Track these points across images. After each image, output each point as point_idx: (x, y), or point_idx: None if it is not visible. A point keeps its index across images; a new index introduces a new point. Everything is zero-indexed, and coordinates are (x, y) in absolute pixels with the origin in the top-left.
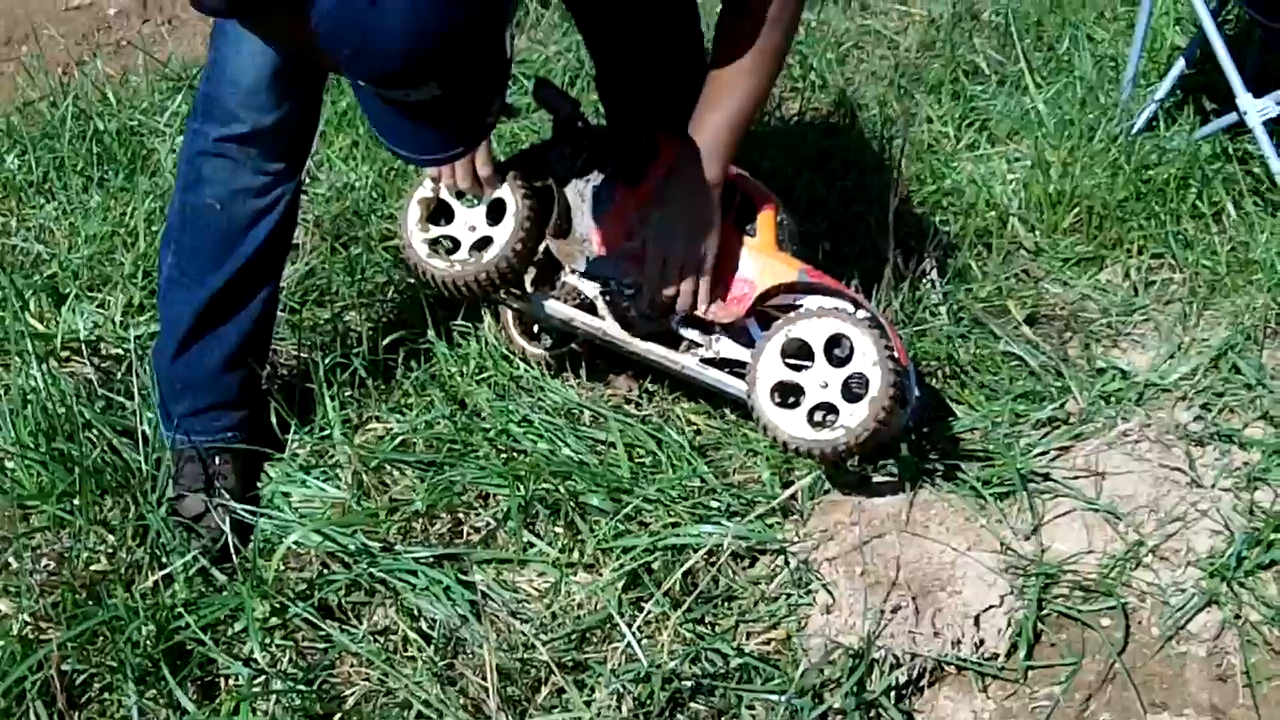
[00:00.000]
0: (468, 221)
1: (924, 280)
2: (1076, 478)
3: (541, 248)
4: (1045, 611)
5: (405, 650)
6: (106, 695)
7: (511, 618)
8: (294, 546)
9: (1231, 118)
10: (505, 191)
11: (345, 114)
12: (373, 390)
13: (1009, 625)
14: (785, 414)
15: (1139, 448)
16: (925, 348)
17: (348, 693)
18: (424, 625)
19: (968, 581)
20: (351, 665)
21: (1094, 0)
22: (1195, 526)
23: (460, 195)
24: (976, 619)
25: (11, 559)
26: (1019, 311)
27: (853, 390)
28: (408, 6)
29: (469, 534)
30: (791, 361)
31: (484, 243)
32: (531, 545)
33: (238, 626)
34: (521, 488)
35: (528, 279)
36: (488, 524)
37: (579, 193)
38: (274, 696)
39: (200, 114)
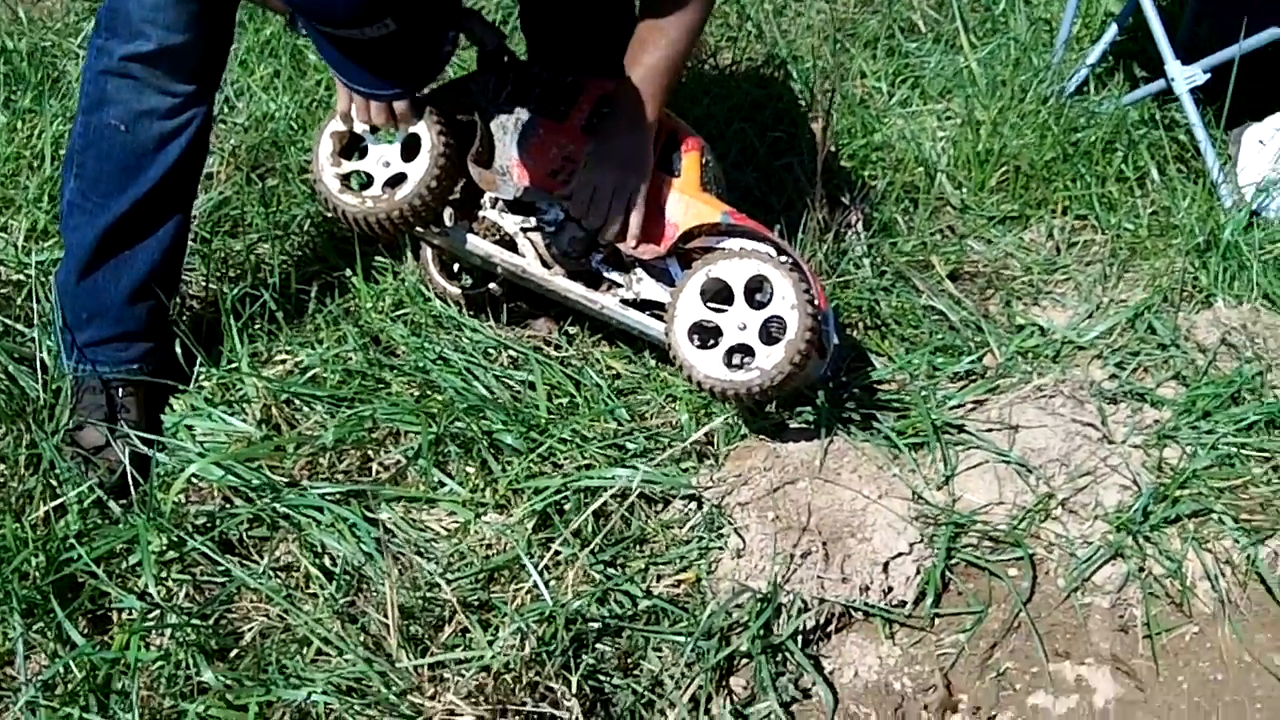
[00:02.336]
0: (382, 157)
1: (849, 232)
2: (990, 430)
3: (461, 182)
4: (954, 560)
5: (307, 587)
6: None
7: (417, 556)
8: (196, 481)
9: (1160, 84)
10: (421, 127)
11: (267, 42)
12: (284, 324)
13: (917, 573)
14: (702, 354)
15: (1053, 403)
16: (848, 299)
17: (245, 629)
18: (327, 562)
19: (878, 529)
20: (251, 601)
21: None
22: (1105, 481)
23: (375, 130)
24: (885, 566)
25: None
26: (942, 267)
27: (771, 333)
28: None
29: (378, 471)
30: (711, 304)
31: (398, 179)
32: (442, 485)
33: (133, 560)
34: (433, 425)
35: (447, 214)
36: (398, 462)
37: (502, 125)
38: (168, 631)
39: (104, 29)
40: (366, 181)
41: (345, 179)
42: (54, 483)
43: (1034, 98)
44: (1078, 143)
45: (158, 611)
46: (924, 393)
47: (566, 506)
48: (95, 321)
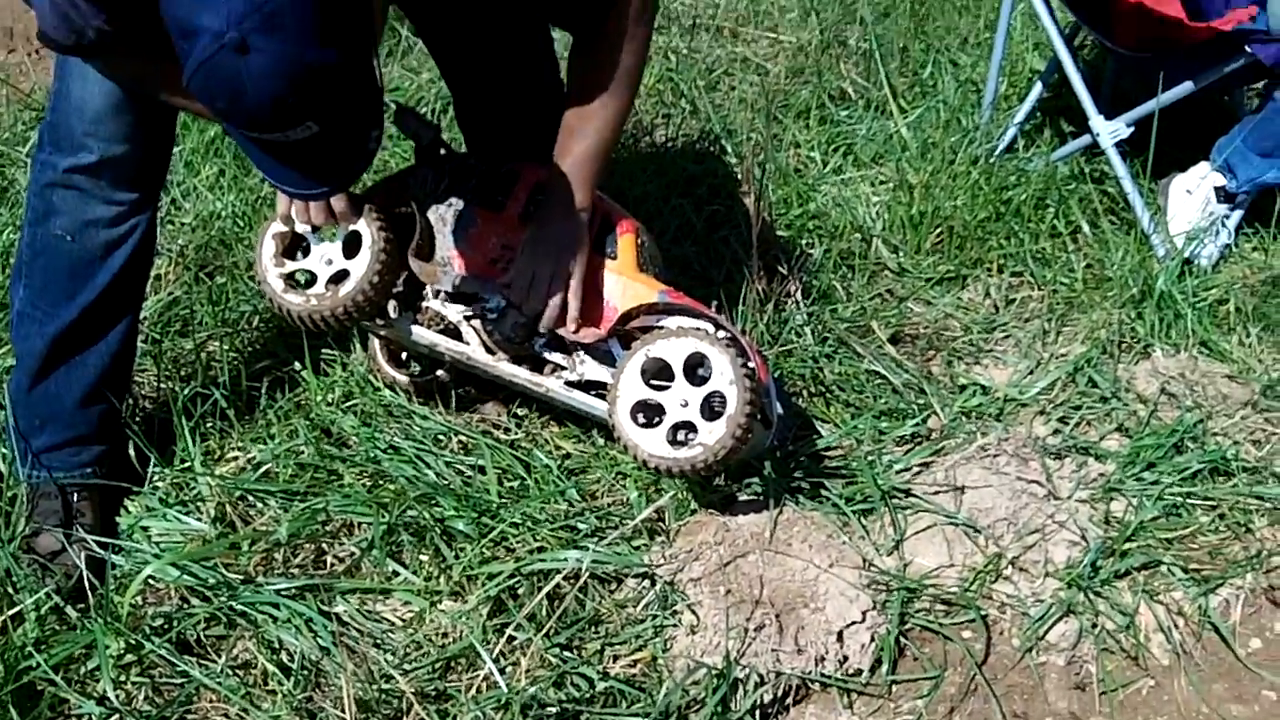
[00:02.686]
0: (324, 255)
1: (789, 301)
2: (937, 493)
3: (403, 276)
4: (908, 626)
5: (265, 684)
6: None
7: (374, 648)
8: (152, 581)
9: (1086, 139)
10: (362, 225)
11: (212, 142)
12: (235, 421)
13: (872, 640)
14: (646, 433)
15: (998, 462)
16: (790, 367)
17: None
18: (284, 658)
19: (830, 598)
20: (210, 701)
21: (957, 27)
22: (1053, 538)
23: (315, 229)
24: (840, 635)
25: None
26: (883, 331)
27: (713, 408)
28: (277, 52)
29: (333, 564)
30: (653, 381)
31: (341, 276)
32: (396, 574)
33: (91, 664)
34: (386, 514)
35: (391, 306)
36: (352, 553)
37: (440, 216)
38: None
39: (47, 144)
40: (311, 279)
41: (290, 278)
42: (10, 590)
43: (965, 159)
44: (1009, 201)
45: (117, 716)
46: (870, 458)
47: (520, 591)
48: (48, 427)
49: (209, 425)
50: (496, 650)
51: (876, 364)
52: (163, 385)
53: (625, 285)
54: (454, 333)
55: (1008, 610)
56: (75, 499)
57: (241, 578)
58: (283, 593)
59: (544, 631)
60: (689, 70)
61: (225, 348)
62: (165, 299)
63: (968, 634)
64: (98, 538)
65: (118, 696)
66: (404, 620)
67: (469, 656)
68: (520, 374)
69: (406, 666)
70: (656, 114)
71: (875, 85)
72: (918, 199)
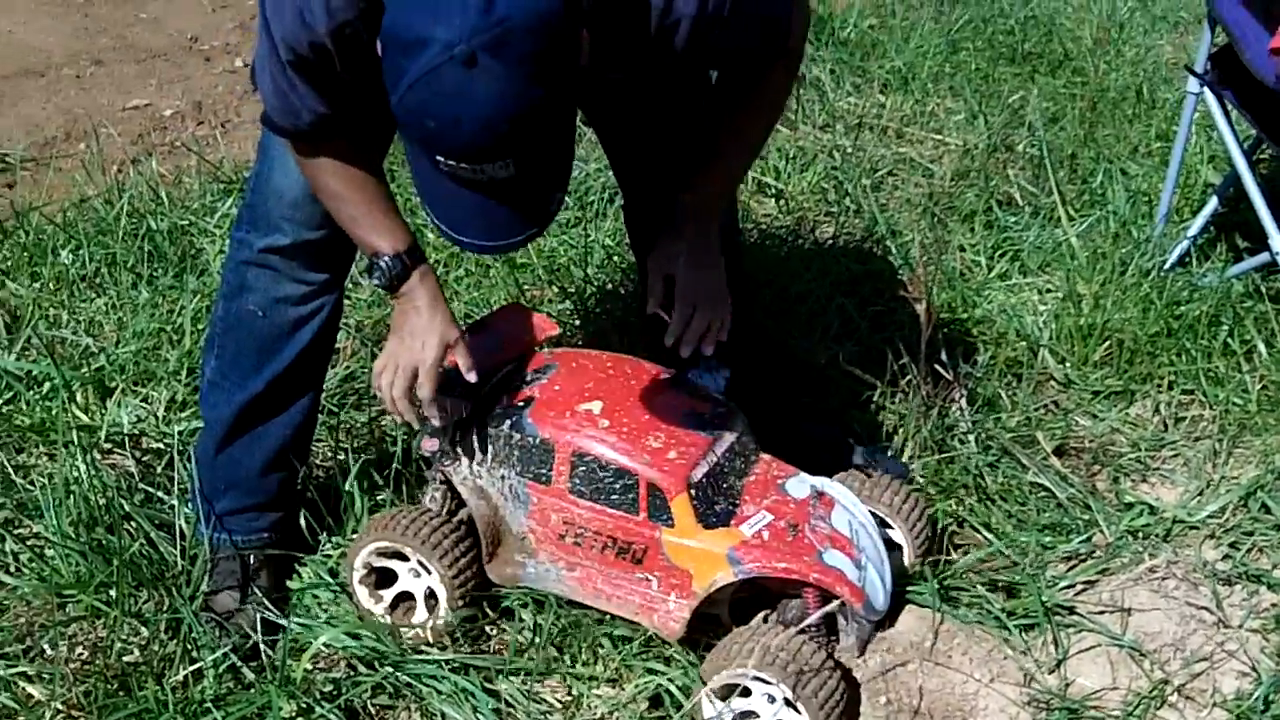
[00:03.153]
0: (410, 569)
1: (954, 408)
2: (1102, 612)
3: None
4: None
5: None
6: None
7: None
8: (323, 647)
9: (1264, 257)
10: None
11: None
12: (405, 494)
13: None
14: None
15: (1166, 585)
16: (953, 475)
17: None
18: None
19: (990, 714)
20: None
21: (1128, 136)
22: (1222, 667)
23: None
24: None
25: (47, 646)
26: (1048, 443)
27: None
28: (501, 74)
29: (496, 647)
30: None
31: (433, 596)
32: (557, 659)
33: None
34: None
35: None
36: (514, 640)
37: (500, 492)
38: None
39: (245, 224)
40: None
41: (391, 608)
42: (190, 647)
43: (1135, 271)
44: (1181, 316)
45: None
46: (1033, 573)
47: (677, 684)
48: (230, 492)
49: (380, 498)
50: None
51: (1041, 476)
52: (338, 456)
53: (691, 554)
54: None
55: None
56: (252, 561)
57: (408, 650)
58: (448, 665)
59: None
60: (853, 169)
61: (399, 422)
62: (342, 372)
63: None
64: (270, 602)
65: None
66: (562, 703)
67: None
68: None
69: None
70: (820, 211)
71: (1044, 191)
72: (1087, 310)
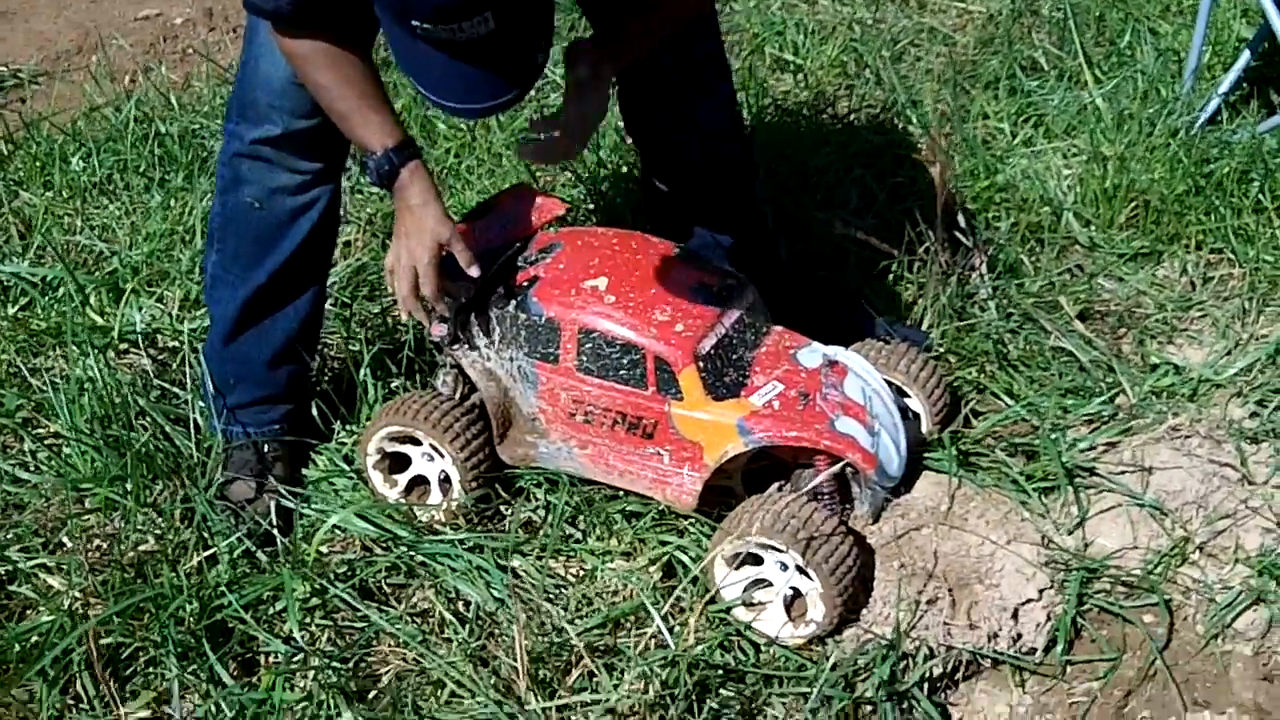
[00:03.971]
0: (423, 453)
1: (973, 275)
2: (1123, 473)
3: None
4: (1086, 607)
5: (441, 632)
6: (151, 669)
7: (546, 602)
8: (338, 532)
9: None
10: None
11: (399, 114)
12: (418, 383)
13: (1048, 620)
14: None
15: (1189, 443)
16: (973, 342)
17: (383, 671)
18: (460, 607)
19: (1006, 575)
20: (389, 645)
21: None
22: (1245, 524)
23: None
24: (1015, 612)
25: (65, 539)
26: (1071, 307)
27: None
28: None
29: (510, 526)
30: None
31: (446, 479)
32: (570, 537)
33: (278, 606)
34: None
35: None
36: (529, 518)
37: (510, 374)
38: (311, 673)
39: (235, 116)
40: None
41: (406, 491)
42: (206, 535)
43: (1163, 130)
44: (1210, 174)
45: (302, 655)
46: (1054, 435)
47: (690, 554)
48: (240, 386)
49: (394, 385)
50: (664, 610)
51: (1063, 340)
52: (350, 347)
53: (701, 426)
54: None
55: (1193, 596)
56: (267, 452)
57: (423, 531)
58: (462, 544)
59: (710, 595)
60: (873, 41)
61: (407, 319)
62: (354, 264)
63: (1149, 618)
64: (286, 489)
65: (302, 637)
66: (576, 577)
67: (639, 615)
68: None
69: (578, 621)
70: (840, 85)
71: (1069, 54)
72: (1112, 171)
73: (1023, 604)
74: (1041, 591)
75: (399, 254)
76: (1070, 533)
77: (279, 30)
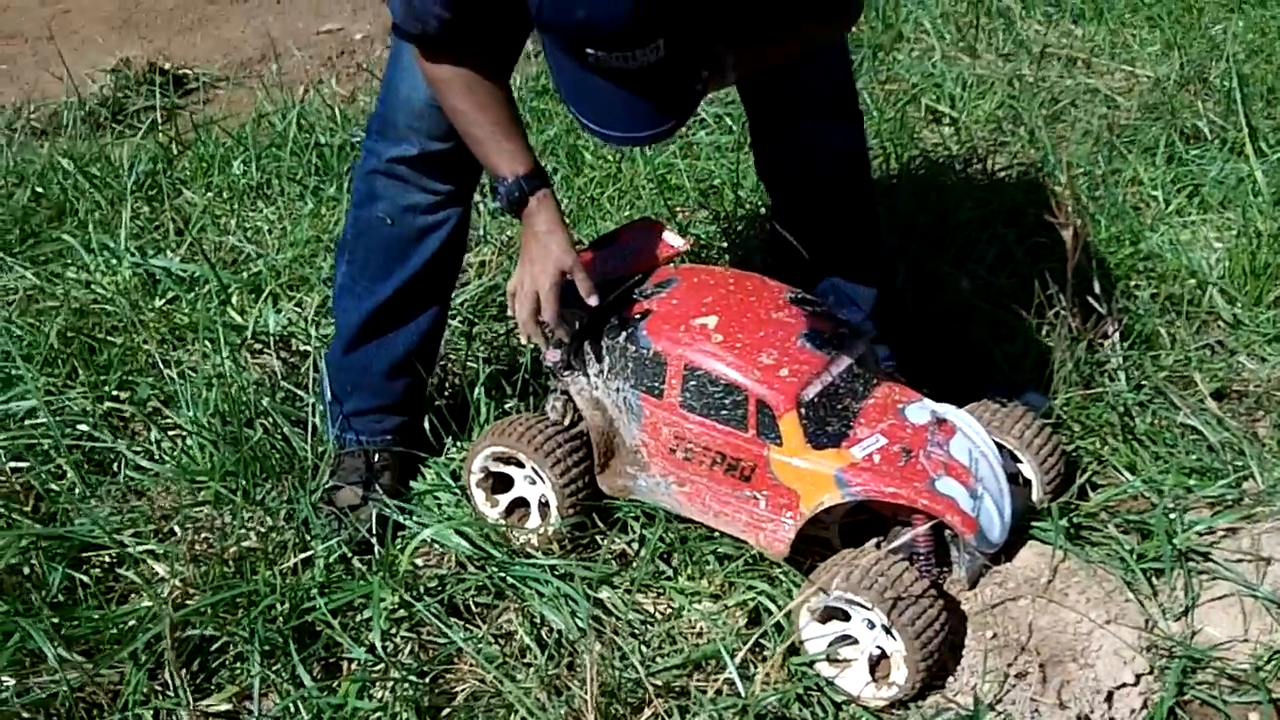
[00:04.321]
0: (526, 476)
1: (1105, 343)
2: (1240, 561)
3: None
4: (1186, 697)
5: (522, 657)
6: (237, 664)
7: (631, 637)
8: (435, 545)
9: None
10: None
11: (548, 143)
12: (533, 403)
13: (1144, 706)
14: (846, 675)
15: None
16: (1098, 413)
17: (459, 689)
18: (544, 633)
19: (1103, 656)
20: (468, 664)
21: None
22: None
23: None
24: (1109, 696)
25: (177, 528)
26: (1206, 384)
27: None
28: None
29: (604, 556)
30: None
31: (546, 504)
32: (662, 573)
33: (366, 614)
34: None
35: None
36: (622, 550)
37: (615, 404)
38: (390, 684)
39: (374, 133)
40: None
41: (507, 513)
42: (306, 537)
43: None
44: None
45: (382, 665)
46: (1170, 515)
47: (778, 602)
48: (357, 394)
49: (508, 406)
50: (743, 657)
51: (1194, 418)
52: (470, 365)
53: (799, 474)
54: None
55: None
56: (377, 461)
57: (516, 553)
58: (553, 570)
59: (789, 641)
60: (1032, 99)
61: (526, 343)
62: (487, 284)
63: (1254, 716)
64: (391, 499)
65: (385, 647)
66: (663, 614)
67: (719, 659)
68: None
69: (658, 659)
70: (993, 141)
71: (1234, 125)
72: (1265, 248)
73: (1118, 688)
74: (1139, 677)
75: (522, 279)
76: (1177, 619)
77: (423, 54)
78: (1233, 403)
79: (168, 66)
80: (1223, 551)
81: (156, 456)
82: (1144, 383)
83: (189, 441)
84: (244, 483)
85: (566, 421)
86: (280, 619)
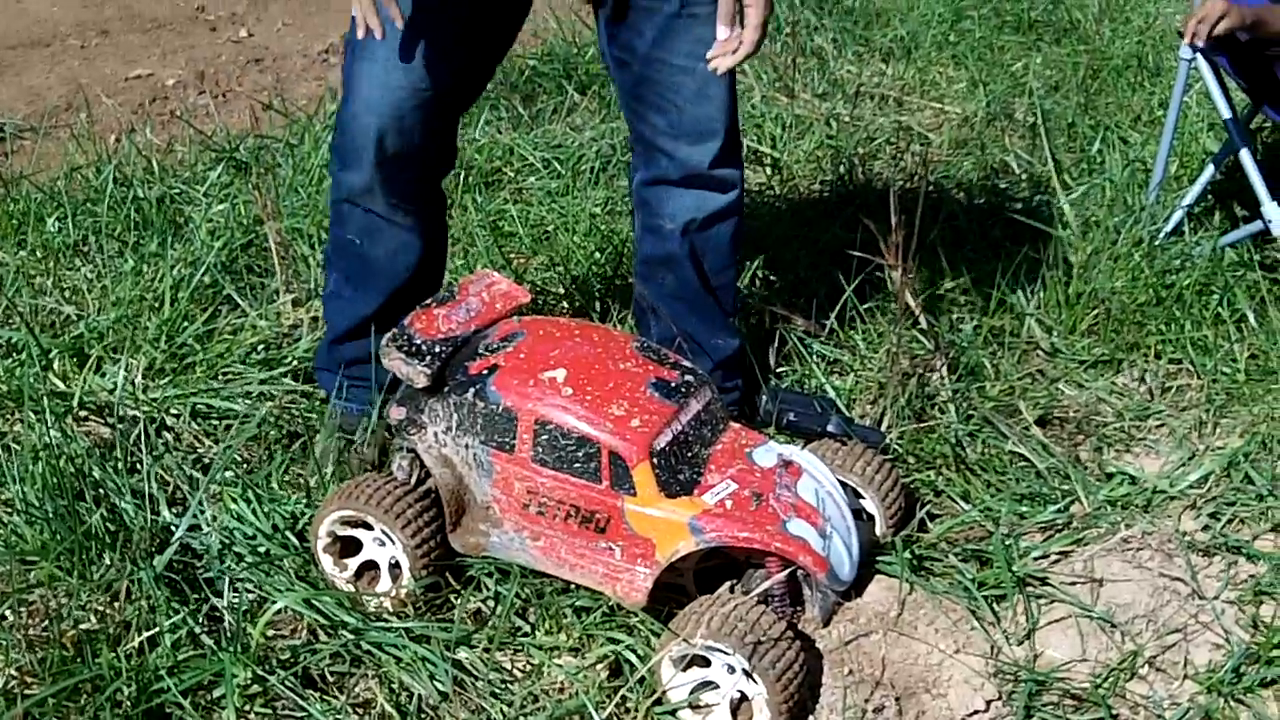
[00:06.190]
0: (375, 538)
1: (934, 376)
2: (1074, 583)
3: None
4: (1034, 719)
5: None
6: None
7: (490, 697)
8: (289, 614)
9: (1257, 225)
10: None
11: None
12: None
13: None
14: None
15: (1140, 555)
16: (931, 445)
17: None
18: (404, 699)
19: (954, 685)
20: None
21: (1130, 104)
22: (1195, 639)
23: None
24: None
25: (8, 613)
26: (1030, 412)
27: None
28: None
29: (459, 616)
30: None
31: (397, 565)
32: (519, 629)
33: (218, 692)
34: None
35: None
36: (478, 608)
37: (465, 461)
38: None
39: (336, 160)
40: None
41: (357, 575)
42: (148, 613)
43: (1127, 239)
44: (1172, 285)
45: None
46: (1007, 543)
47: (639, 653)
48: (345, 373)
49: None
50: (609, 711)
51: (1021, 446)
52: None
53: (654, 523)
54: None
55: (1141, 711)
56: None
57: (371, 616)
58: (408, 634)
59: (656, 696)
60: (850, 138)
61: None
62: None
63: None
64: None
65: None
66: (524, 672)
67: (583, 715)
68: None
69: (521, 719)
70: (815, 180)
71: (1039, 160)
72: (1076, 278)
73: (970, 715)
74: (989, 703)
75: None
76: (1020, 643)
77: None
78: (1055, 429)
79: None
80: (1058, 575)
81: None
82: (972, 413)
83: (16, 519)
84: (80, 561)
85: (414, 480)
86: (128, 703)
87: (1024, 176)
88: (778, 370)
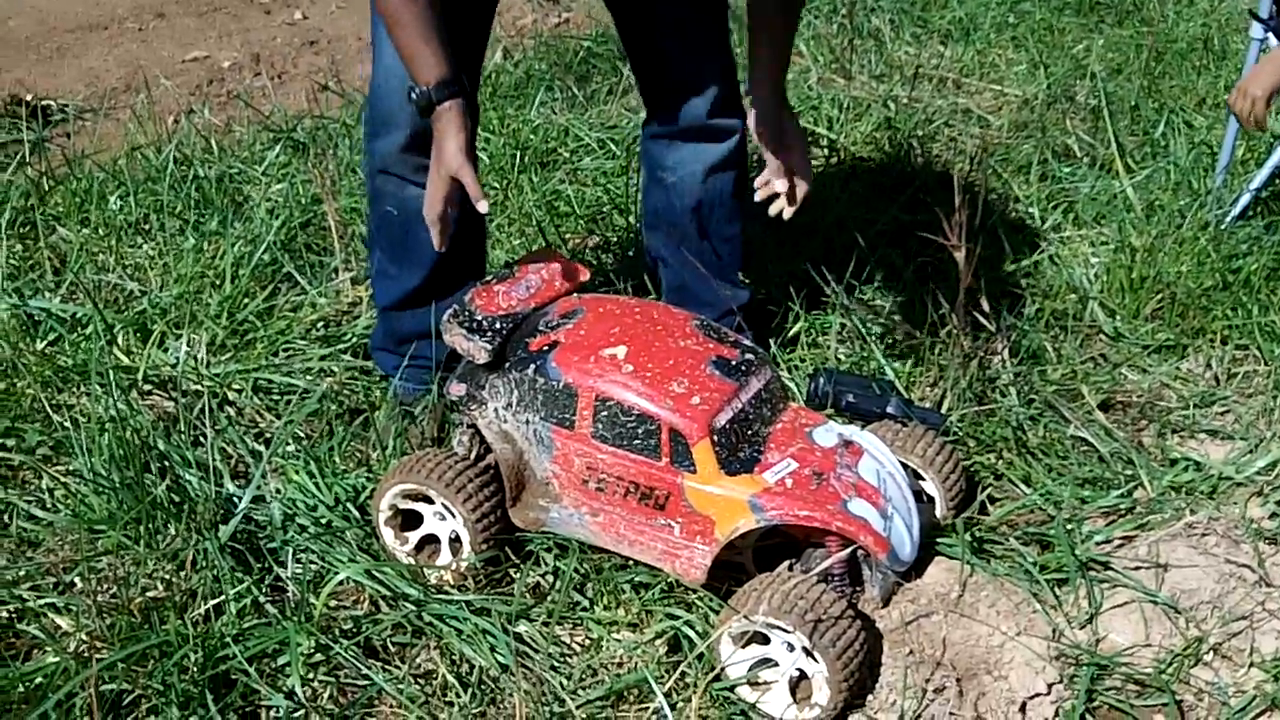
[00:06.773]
0: (435, 512)
1: (995, 360)
2: (1138, 568)
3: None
4: (1095, 704)
5: (444, 695)
6: (152, 718)
7: (550, 670)
8: (350, 585)
9: None
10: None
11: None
12: None
13: (1056, 715)
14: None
15: (1206, 541)
16: (992, 428)
17: None
18: (464, 670)
19: (1015, 667)
20: (390, 705)
21: (1194, 87)
22: (1262, 626)
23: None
24: (1023, 706)
25: (76, 579)
26: (1093, 396)
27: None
28: None
29: (519, 590)
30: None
31: (457, 539)
32: (578, 604)
33: (282, 660)
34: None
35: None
36: (537, 583)
37: (525, 437)
38: None
39: (369, 136)
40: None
41: (418, 549)
42: (215, 583)
43: (1193, 223)
44: (1239, 270)
45: (302, 712)
46: (1069, 526)
47: (696, 629)
48: (401, 351)
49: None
50: (668, 685)
51: (1083, 430)
52: None
53: (713, 501)
54: None
55: (1205, 698)
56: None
57: (432, 589)
58: (468, 606)
59: (715, 673)
60: (908, 120)
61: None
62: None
63: (1159, 718)
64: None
65: (304, 693)
66: (582, 646)
67: (642, 689)
68: None
69: (580, 692)
70: (872, 162)
71: (1102, 143)
72: (1140, 262)
73: (1031, 698)
74: (1051, 686)
75: (427, 181)
76: (1082, 627)
77: None
78: (1118, 413)
79: (29, 98)
80: (1121, 560)
81: (50, 506)
82: (1034, 397)
83: (84, 489)
84: (146, 530)
85: (474, 455)
86: (194, 669)
87: (1086, 159)
88: (837, 353)
